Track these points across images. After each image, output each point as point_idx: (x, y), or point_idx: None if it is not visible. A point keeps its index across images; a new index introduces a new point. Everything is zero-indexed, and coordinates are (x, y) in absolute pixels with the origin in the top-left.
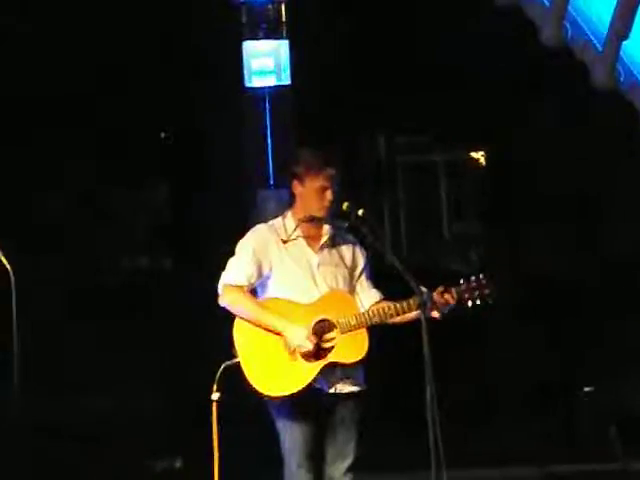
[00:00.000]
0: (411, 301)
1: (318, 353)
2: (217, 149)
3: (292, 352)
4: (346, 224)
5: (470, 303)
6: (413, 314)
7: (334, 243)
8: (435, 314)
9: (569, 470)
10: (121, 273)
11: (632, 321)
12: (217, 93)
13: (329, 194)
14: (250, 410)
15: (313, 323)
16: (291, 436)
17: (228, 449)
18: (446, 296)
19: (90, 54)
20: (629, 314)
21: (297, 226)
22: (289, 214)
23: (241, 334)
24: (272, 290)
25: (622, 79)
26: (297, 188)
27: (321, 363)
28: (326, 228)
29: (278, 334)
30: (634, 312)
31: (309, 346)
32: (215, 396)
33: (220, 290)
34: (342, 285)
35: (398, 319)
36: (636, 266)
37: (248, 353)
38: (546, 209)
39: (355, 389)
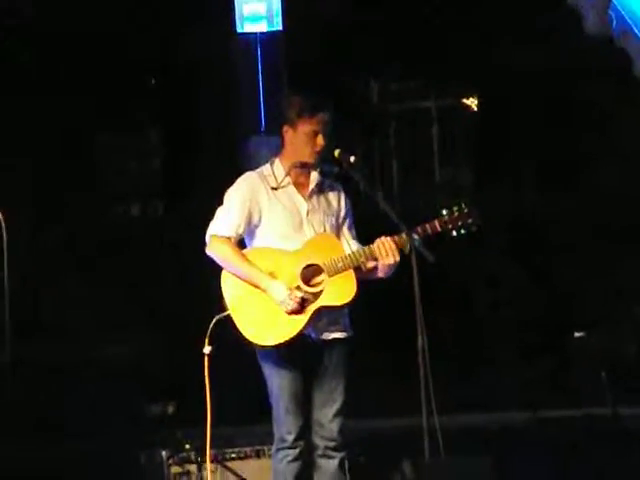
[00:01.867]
0: (396, 238)
1: (308, 298)
2: (208, 95)
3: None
4: (335, 170)
5: (454, 233)
6: (393, 255)
7: (322, 190)
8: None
9: (560, 415)
10: (112, 220)
11: (625, 264)
12: (209, 39)
13: (320, 139)
14: (241, 359)
15: (300, 269)
16: (279, 382)
17: (220, 397)
18: (430, 227)
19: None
20: (623, 256)
21: (288, 173)
22: (277, 161)
23: (229, 286)
24: (260, 238)
25: (614, 25)
26: (288, 132)
27: (311, 309)
28: (314, 175)
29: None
30: (628, 254)
31: (291, 304)
32: (207, 349)
33: (207, 240)
34: (329, 232)
35: (379, 267)
36: (629, 203)
37: (238, 305)
38: (536, 152)
39: (341, 335)
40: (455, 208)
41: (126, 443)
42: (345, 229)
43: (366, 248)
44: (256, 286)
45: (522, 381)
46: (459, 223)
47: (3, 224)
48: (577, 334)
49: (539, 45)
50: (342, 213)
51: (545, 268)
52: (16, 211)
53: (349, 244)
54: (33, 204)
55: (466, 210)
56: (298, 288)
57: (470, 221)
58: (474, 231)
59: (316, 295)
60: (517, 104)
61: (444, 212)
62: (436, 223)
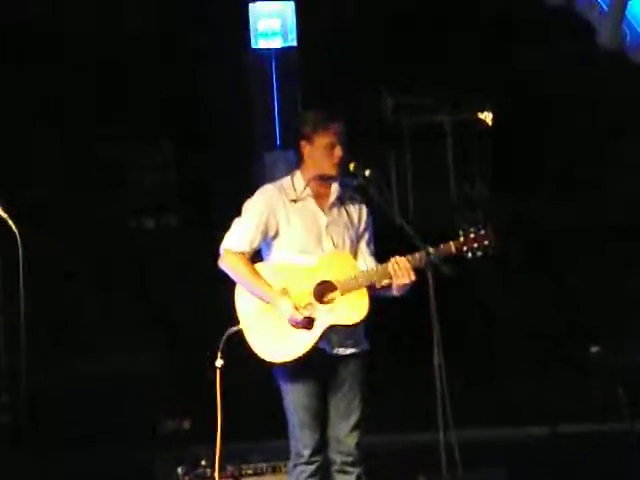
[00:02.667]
0: (410, 257)
1: (320, 315)
2: (224, 110)
3: None
4: (354, 182)
5: (470, 255)
6: (408, 274)
7: (342, 202)
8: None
9: (577, 430)
10: (127, 232)
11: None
12: (223, 54)
13: (338, 150)
14: (254, 373)
15: (314, 286)
16: (294, 397)
17: (233, 412)
18: (445, 249)
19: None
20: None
21: (307, 185)
22: (297, 173)
23: (241, 301)
24: (278, 250)
25: (628, 40)
26: (305, 148)
27: (323, 326)
28: (334, 187)
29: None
30: None
31: (297, 318)
32: (219, 363)
33: (221, 253)
34: (349, 246)
35: (394, 285)
36: None
37: (249, 320)
38: (551, 169)
39: (357, 350)
40: (472, 229)
41: (142, 459)
42: (363, 244)
43: (380, 267)
44: (265, 301)
45: (539, 396)
46: (475, 245)
47: (19, 238)
48: (593, 349)
49: (553, 59)
50: (362, 227)
51: (561, 281)
52: (32, 225)
53: (365, 260)
54: (48, 218)
55: (483, 232)
56: (310, 305)
57: (486, 243)
58: (490, 254)
59: (328, 312)
60: (532, 118)
61: (460, 233)
62: (452, 245)
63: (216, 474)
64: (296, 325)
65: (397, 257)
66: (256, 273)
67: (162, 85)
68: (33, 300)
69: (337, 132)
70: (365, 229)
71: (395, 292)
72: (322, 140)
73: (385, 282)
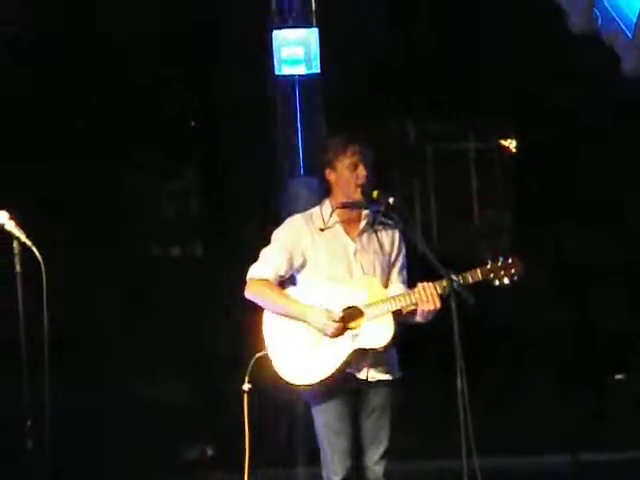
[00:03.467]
0: (437, 284)
1: (345, 339)
2: (247, 137)
3: (319, 340)
4: (381, 208)
5: (497, 282)
6: (433, 301)
7: (373, 228)
8: (430, 307)
9: (600, 459)
10: (151, 260)
11: None
12: (247, 81)
13: (361, 169)
14: (281, 398)
15: (340, 311)
16: (325, 422)
17: (260, 436)
18: (472, 275)
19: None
20: None
21: (332, 211)
22: (326, 202)
23: (268, 326)
24: (306, 280)
25: None
26: (330, 175)
27: (348, 350)
28: (365, 213)
29: (303, 321)
30: None
31: (332, 325)
32: (246, 387)
33: (247, 283)
34: (379, 273)
35: (419, 312)
36: None
37: (276, 345)
38: (577, 200)
39: (388, 377)
40: (500, 259)
41: None
42: (395, 272)
43: (407, 294)
44: (295, 318)
45: (562, 424)
46: (502, 273)
47: (43, 267)
48: (618, 376)
49: (576, 83)
50: (394, 253)
51: (586, 309)
52: (54, 254)
53: (396, 288)
54: (71, 248)
55: (510, 261)
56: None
57: (513, 271)
58: (516, 282)
59: (353, 337)
60: (556, 144)
61: (488, 262)
62: (479, 271)
63: None
64: (330, 330)
65: (424, 283)
66: (283, 294)
67: (186, 115)
68: (58, 329)
69: (357, 152)
70: (398, 255)
71: (419, 318)
72: (344, 163)
73: (410, 308)
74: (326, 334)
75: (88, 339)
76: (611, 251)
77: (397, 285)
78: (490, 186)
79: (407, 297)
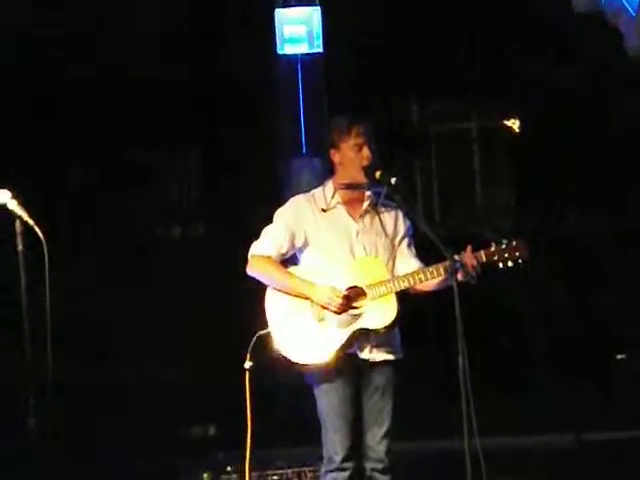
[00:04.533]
0: (440, 266)
1: (348, 318)
2: (249, 117)
3: (321, 319)
4: (383, 190)
5: (501, 265)
6: (438, 280)
7: (376, 209)
8: (463, 277)
9: (604, 437)
10: (154, 239)
11: None
12: (249, 60)
13: (365, 150)
14: (282, 377)
15: (343, 290)
16: (327, 401)
17: (261, 415)
18: (475, 257)
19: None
20: None
21: (334, 193)
22: (329, 183)
23: (271, 305)
24: (308, 260)
25: None
26: (335, 156)
27: (350, 329)
28: (367, 194)
29: (306, 299)
30: None
31: (338, 301)
32: (248, 365)
33: (249, 259)
34: (382, 253)
35: (426, 285)
36: None
37: (278, 323)
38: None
39: (390, 357)
40: (504, 241)
41: (168, 465)
42: (404, 246)
43: (410, 275)
44: (298, 295)
45: (565, 404)
46: (506, 255)
47: (45, 246)
48: (619, 356)
49: (580, 64)
50: (399, 232)
51: (588, 289)
52: (56, 234)
53: (408, 262)
54: (73, 229)
55: (515, 244)
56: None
57: (518, 255)
58: (520, 265)
59: (355, 317)
60: (559, 124)
61: (492, 245)
62: (482, 254)
63: (247, 476)
64: (336, 306)
65: (425, 268)
66: (285, 271)
67: (187, 94)
68: (59, 309)
69: (361, 133)
70: (404, 233)
71: (431, 288)
72: (348, 144)
73: (425, 286)
74: (331, 310)
75: (90, 318)
76: (616, 231)
77: (409, 260)
78: (493, 166)
79: (409, 278)
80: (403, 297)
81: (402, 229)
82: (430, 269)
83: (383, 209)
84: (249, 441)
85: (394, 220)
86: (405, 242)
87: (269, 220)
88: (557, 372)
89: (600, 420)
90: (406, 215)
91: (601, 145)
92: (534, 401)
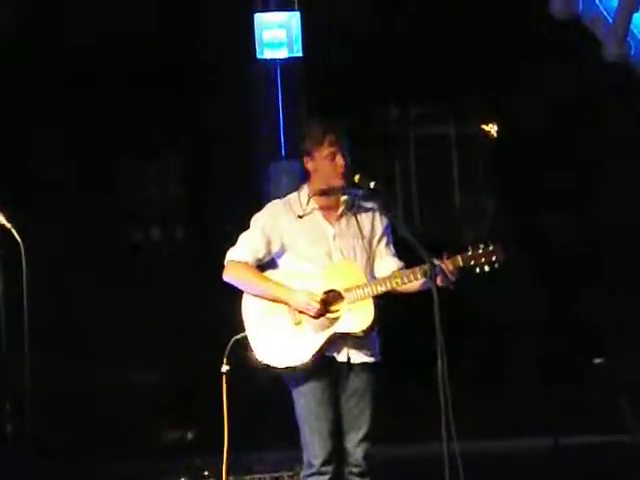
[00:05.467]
0: (417, 270)
1: (325, 322)
2: (228, 121)
3: (298, 323)
4: (360, 193)
5: (478, 269)
6: (418, 283)
7: (352, 212)
8: (443, 283)
9: (580, 441)
10: (133, 243)
11: None
12: (228, 65)
13: (339, 159)
14: (260, 381)
15: (321, 294)
16: (306, 404)
17: (239, 420)
18: (452, 261)
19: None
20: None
21: (309, 198)
22: (305, 187)
23: (247, 309)
24: (286, 265)
25: (633, 52)
26: (308, 163)
27: (327, 333)
28: (343, 198)
29: (284, 303)
30: None
31: (315, 305)
32: (224, 369)
33: (225, 265)
34: (360, 256)
35: (405, 288)
36: None
37: (255, 327)
38: (554, 181)
39: (369, 360)
40: (481, 245)
41: (145, 469)
42: (382, 246)
43: (387, 278)
44: (275, 300)
45: (542, 408)
46: (482, 260)
47: (23, 249)
48: (596, 360)
49: (559, 69)
50: (377, 233)
51: (565, 294)
52: (38, 236)
53: (388, 262)
54: (56, 230)
55: (491, 248)
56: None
57: (494, 259)
58: (496, 268)
59: (333, 321)
60: (536, 129)
61: (469, 248)
62: (459, 258)
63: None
64: (313, 311)
65: (404, 270)
66: (262, 276)
67: (165, 98)
68: (38, 312)
69: (334, 142)
70: (382, 234)
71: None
72: (322, 153)
73: (404, 289)
74: (309, 315)
75: (68, 321)
76: (592, 236)
77: (388, 259)
78: (471, 170)
79: (387, 282)
80: (381, 298)
81: (379, 229)
82: (408, 273)
83: (360, 210)
84: (226, 445)
85: (371, 220)
86: (383, 242)
87: (247, 224)
88: (534, 376)
89: (578, 424)
90: (384, 216)
91: (579, 147)
92: (512, 405)
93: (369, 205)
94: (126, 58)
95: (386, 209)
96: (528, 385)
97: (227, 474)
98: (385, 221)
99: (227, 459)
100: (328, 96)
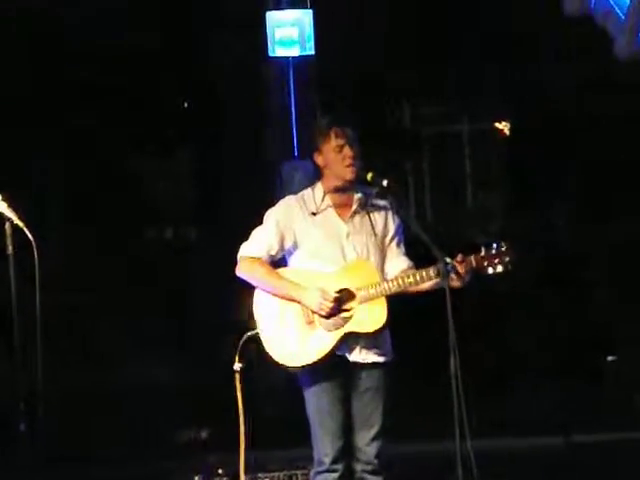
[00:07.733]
0: (430, 270)
1: (337, 321)
2: (240, 120)
3: (311, 322)
4: (374, 191)
5: (490, 270)
6: (431, 283)
7: (366, 210)
8: (456, 283)
9: (593, 439)
10: (145, 243)
11: None
12: (240, 63)
13: (347, 150)
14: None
15: (333, 293)
16: (317, 403)
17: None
18: (465, 263)
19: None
20: None
21: (324, 195)
22: (319, 185)
23: (260, 306)
24: (298, 262)
25: None
26: (319, 159)
27: (339, 332)
28: (357, 196)
29: (296, 302)
30: None
31: (327, 304)
32: (237, 366)
33: (238, 261)
34: (373, 254)
35: (417, 287)
36: None
37: (267, 324)
38: (568, 178)
39: (380, 359)
40: (493, 245)
41: (159, 469)
42: (393, 245)
43: (400, 277)
44: (288, 298)
45: (555, 405)
46: (495, 261)
47: (35, 249)
48: (610, 358)
49: (572, 67)
50: (389, 231)
51: (578, 292)
52: (49, 236)
53: (398, 261)
54: (66, 230)
55: (504, 248)
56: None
57: (507, 259)
58: (509, 269)
59: (345, 320)
60: (551, 128)
61: (482, 249)
62: (472, 260)
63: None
64: (326, 310)
65: (414, 271)
66: (275, 273)
67: (178, 97)
68: (50, 311)
69: (340, 134)
70: (395, 233)
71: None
72: (329, 146)
73: (417, 288)
74: (321, 314)
75: (80, 320)
76: (605, 234)
77: (398, 258)
78: (484, 169)
79: (399, 281)
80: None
81: (392, 227)
82: (421, 272)
83: (373, 208)
84: (242, 443)
85: (384, 219)
86: (395, 240)
87: (260, 222)
88: (547, 374)
89: (591, 422)
90: (397, 214)
91: (593, 149)
92: (523, 403)
93: (382, 203)
94: (140, 57)
95: (399, 207)
96: (540, 382)
97: (239, 474)
98: (397, 220)
99: (243, 457)
100: (340, 94)
